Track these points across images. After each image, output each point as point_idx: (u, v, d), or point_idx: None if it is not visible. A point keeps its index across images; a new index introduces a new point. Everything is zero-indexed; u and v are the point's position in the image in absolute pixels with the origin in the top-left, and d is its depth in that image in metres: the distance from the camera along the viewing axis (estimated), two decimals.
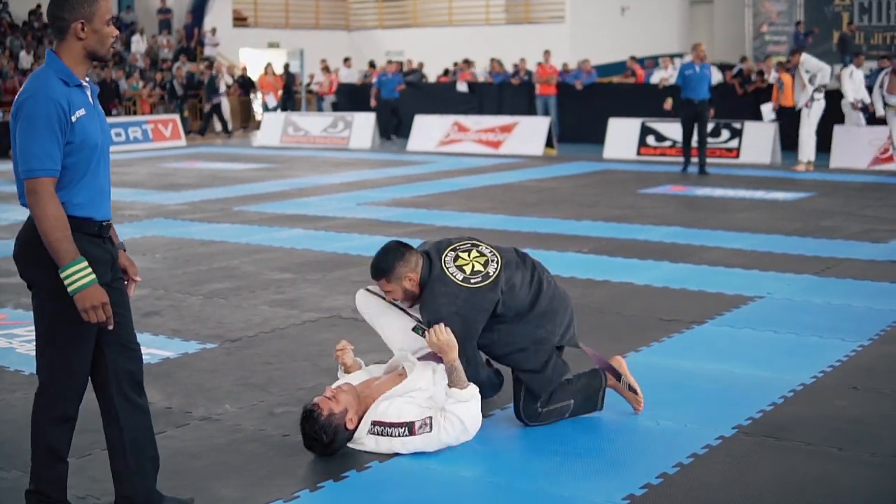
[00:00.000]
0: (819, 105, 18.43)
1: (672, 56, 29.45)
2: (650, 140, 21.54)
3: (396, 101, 27.16)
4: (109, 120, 26.70)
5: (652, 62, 29.09)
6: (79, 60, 4.36)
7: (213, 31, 34.45)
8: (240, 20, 37.99)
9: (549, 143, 23.02)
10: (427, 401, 5.40)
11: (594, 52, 30.49)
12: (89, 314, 4.23)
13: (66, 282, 4.21)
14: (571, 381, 5.81)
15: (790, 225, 12.48)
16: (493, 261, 5.72)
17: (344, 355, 5.94)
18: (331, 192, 16.78)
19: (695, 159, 18.58)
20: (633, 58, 29.18)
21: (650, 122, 21.64)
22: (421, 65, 31.79)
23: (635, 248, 11.03)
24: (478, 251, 5.78)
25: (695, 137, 18.48)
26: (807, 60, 18.44)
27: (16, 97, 4.30)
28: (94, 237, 4.35)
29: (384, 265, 5.71)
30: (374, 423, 5.37)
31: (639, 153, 21.49)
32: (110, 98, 28.14)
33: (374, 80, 28.71)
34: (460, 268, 5.63)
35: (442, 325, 5.41)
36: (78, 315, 4.26)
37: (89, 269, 4.22)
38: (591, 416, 5.93)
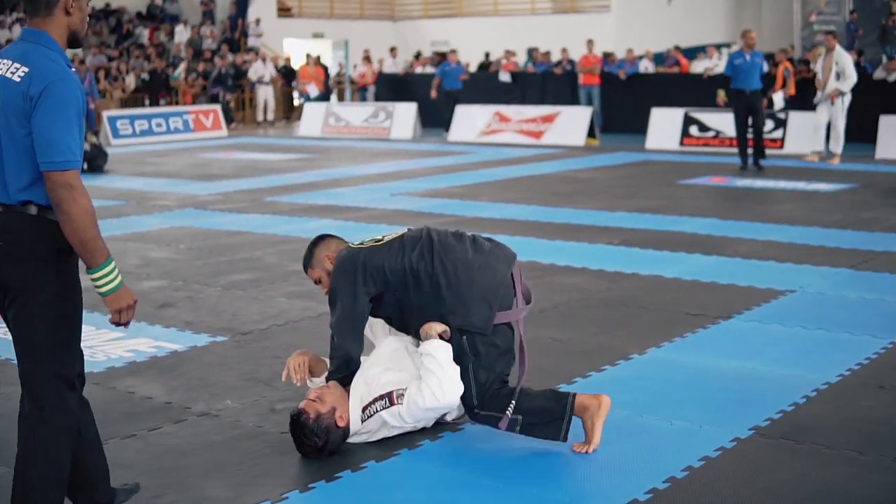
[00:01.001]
0: (848, 97, 17.84)
1: (718, 46, 29.02)
2: (693, 130, 21.18)
3: (459, 92, 26.38)
4: (153, 111, 26.73)
5: (677, 53, 28.60)
6: (63, 41, 4.05)
7: (258, 21, 34.36)
8: (284, 11, 37.85)
9: (591, 134, 22.74)
10: (398, 359, 5.31)
11: (639, 41, 30.15)
12: (122, 315, 4.02)
13: (98, 283, 3.96)
14: (523, 393, 5.18)
15: (829, 217, 12.13)
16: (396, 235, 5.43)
17: (302, 373, 5.59)
18: (366, 183, 16.60)
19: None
20: (677, 47, 28.79)
21: (693, 111, 21.28)
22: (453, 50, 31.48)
23: (668, 240, 10.74)
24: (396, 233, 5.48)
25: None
26: (840, 55, 17.82)
27: (25, 78, 3.87)
28: None
29: (306, 254, 5.57)
30: (363, 410, 5.20)
31: (681, 143, 21.14)
32: (160, 88, 28.15)
33: (437, 69, 28.10)
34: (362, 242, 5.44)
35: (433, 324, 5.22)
36: (77, 319, 4.06)
37: (118, 269, 4.01)
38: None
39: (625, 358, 6.74)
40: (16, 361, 4.10)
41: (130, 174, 18.57)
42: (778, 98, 20.25)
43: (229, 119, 28.82)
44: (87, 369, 6.53)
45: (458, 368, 5.11)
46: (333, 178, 17.30)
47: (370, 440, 5.29)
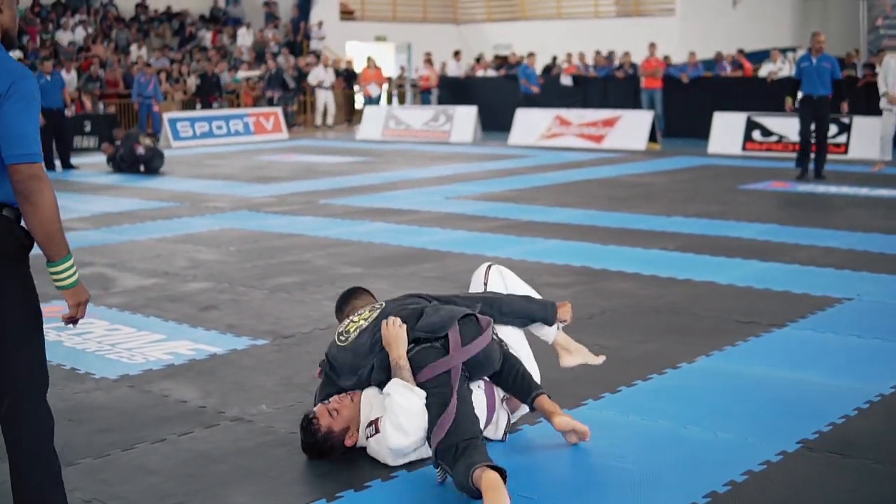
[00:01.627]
0: None
1: (783, 50, 28.59)
2: (756, 135, 20.84)
3: (535, 98, 26.12)
4: (210, 113, 26.80)
5: (741, 56, 28.18)
6: None
7: (320, 24, 34.39)
8: (347, 14, 37.85)
9: (652, 138, 22.46)
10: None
11: (704, 45, 29.76)
12: (79, 309, 3.98)
13: (61, 275, 3.92)
14: (469, 449, 4.64)
15: (891, 223, 11.81)
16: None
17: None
18: (421, 186, 16.47)
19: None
20: (741, 51, 28.41)
21: (756, 116, 20.94)
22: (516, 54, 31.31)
23: (724, 246, 10.50)
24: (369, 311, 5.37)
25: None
26: (886, 64, 17.33)
27: None
28: None
29: (339, 302, 5.96)
30: (367, 427, 5.10)
31: (744, 148, 20.81)
32: (211, 91, 28.19)
33: (518, 71, 27.78)
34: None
35: (391, 318, 5.10)
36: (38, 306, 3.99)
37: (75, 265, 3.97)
38: (643, 425, 5.51)
39: (672, 367, 6.54)
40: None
41: (187, 176, 18.58)
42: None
43: (290, 122, 28.85)
44: (124, 371, 6.56)
45: (418, 410, 4.85)
46: (389, 182, 17.19)
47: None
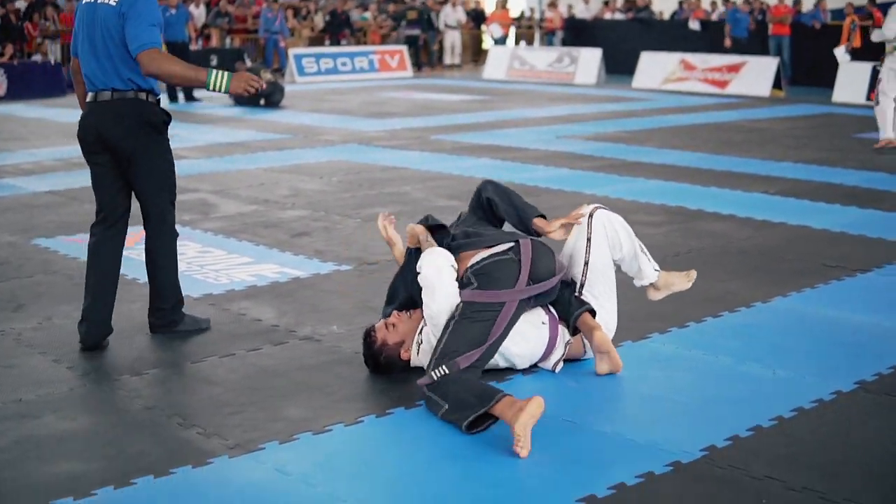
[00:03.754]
0: None
1: None
2: None
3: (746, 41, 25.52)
4: (338, 49, 27.04)
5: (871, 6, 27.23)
6: None
7: None
8: None
9: (776, 85, 22.02)
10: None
11: None
12: (249, 88, 5.49)
13: (217, 84, 5.45)
14: (466, 382, 4.71)
15: None
16: None
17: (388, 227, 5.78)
18: (535, 125, 16.45)
19: None
20: (871, 1, 27.59)
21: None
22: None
23: (825, 192, 10.33)
24: None
25: None
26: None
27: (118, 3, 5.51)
28: None
29: None
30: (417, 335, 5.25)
31: (868, 98, 20.28)
32: (340, 28, 28.39)
33: (727, 16, 26.91)
34: None
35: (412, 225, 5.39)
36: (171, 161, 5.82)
37: (220, 71, 5.50)
38: (703, 359, 5.51)
39: (746, 305, 6.50)
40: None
41: (305, 110, 18.82)
42: (840, 53, 18.95)
43: (418, 62, 28.94)
44: (208, 291, 6.78)
45: (450, 277, 5.08)
46: (503, 120, 17.19)
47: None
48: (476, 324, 4.90)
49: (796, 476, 4.12)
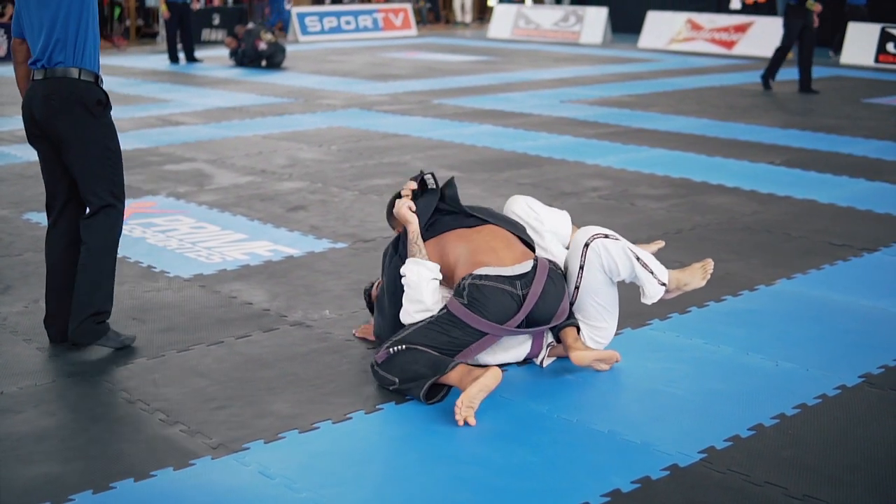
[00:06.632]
0: None
1: None
2: (890, 47, 20.02)
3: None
4: (341, 8, 26.76)
5: None
6: None
7: None
8: None
9: None
10: None
11: None
12: None
13: None
14: (417, 353, 4.74)
15: None
16: None
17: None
18: (539, 88, 16.24)
19: None
20: None
21: (891, 27, 20.11)
22: None
23: (833, 162, 10.15)
24: None
25: None
26: None
27: None
28: None
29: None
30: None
31: (877, 60, 20.05)
32: None
33: None
34: None
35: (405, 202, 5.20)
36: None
37: None
38: (704, 349, 5.35)
39: (749, 288, 6.34)
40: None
41: (307, 72, 18.61)
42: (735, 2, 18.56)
43: (423, 19, 28.67)
44: (199, 271, 6.64)
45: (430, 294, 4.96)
46: (507, 83, 16.98)
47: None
48: (450, 339, 4.80)
49: (798, 482, 3.97)
